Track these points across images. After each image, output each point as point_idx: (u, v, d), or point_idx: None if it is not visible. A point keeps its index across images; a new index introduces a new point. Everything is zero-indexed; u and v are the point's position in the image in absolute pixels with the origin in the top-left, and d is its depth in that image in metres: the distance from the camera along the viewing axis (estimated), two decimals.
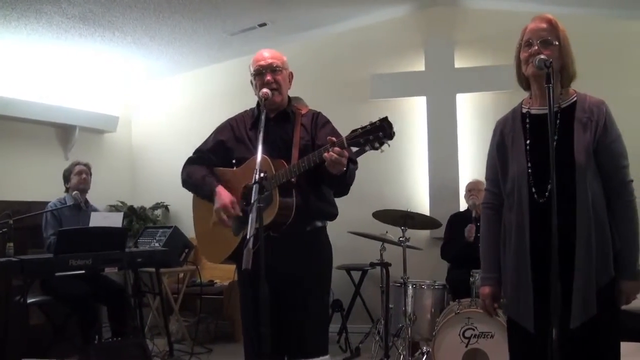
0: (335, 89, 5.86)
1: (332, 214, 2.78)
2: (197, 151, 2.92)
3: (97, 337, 4.21)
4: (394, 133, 2.41)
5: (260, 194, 2.20)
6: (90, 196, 5.00)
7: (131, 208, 6.10)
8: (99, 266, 4.14)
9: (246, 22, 5.36)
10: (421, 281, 4.29)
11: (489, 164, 2.48)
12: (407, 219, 4.23)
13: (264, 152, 2.54)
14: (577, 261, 2.14)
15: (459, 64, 5.58)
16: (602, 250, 2.17)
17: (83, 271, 4.04)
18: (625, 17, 5.32)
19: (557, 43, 2.25)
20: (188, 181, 2.85)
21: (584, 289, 2.13)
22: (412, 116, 5.72)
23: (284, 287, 2.63)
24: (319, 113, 2.89)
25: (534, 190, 2.23)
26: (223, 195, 2.66)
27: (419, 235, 5.18)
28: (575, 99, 2.30)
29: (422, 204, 5.60)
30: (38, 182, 5.45)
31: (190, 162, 2.90)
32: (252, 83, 2.82)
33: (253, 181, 2.22)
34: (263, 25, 5.42)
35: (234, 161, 2.78)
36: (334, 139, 2.36)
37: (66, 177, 4.81)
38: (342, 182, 2.55)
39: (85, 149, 6.00)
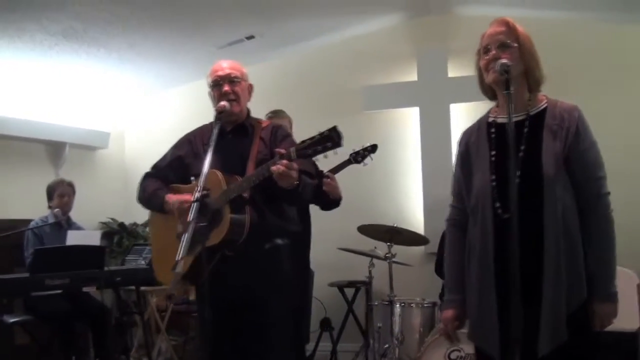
0: (327, 101, 5.72)
1: (293, 232, 2.64)
2: (154, 167, 2.83)
3: (74, 358, 4.10)
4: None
5: (202, 213, 2.08)
6: (83, 213, 4.95)
7: (122, 225, 6.01)
8: (77, 285, 4.06)
9: (233, 35, 5.27)
10: (409, 299, 4.11)
11: (454, 177, 2.32)
12: (394, 234, 4.07)
13: (219, 167, 2.47)
14: (545, 282, 1.96)
15: (452, 73, 5.41)
16: (573, 269, 1.99)
17: (60, 291, 3.95)
18: (620, 20, 5.14)
19: (516, 45, 2.10)
20: (142, 196, 2.76)
21: (553, 313, 1.95)
22: (406, 127, 5.56)
23: (243, 310, 2.52)
24: (280, 126, 2.78)
25: (498, 204, 2.07)
26: (174, 197, 2.57)
27: (412, 251, 5.00)
28: (545, 105, 2.14)
29: (416, 218, 5.43)
30: (28, 200, 5.36)
31: (146, 177, 2.80)
32: (210, 95, 2.72)
33: (193, 199, 2.10)
34: (251, 38, 5.32)
35: (192, 177, 2.67)
36: (282, 150, 2.24)
37: (49, 195, 4.75)
38: (297, 197, 2.42)
39: (77, 166, 5.95)
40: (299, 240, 3.65)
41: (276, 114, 4.11)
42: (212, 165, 2.46)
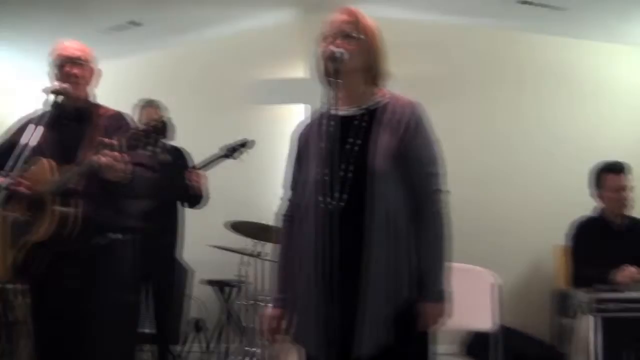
0: (214, 94, 5.57)
1: (128, 227, 2.50)
2: None
3: None
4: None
5: (25, 204, 1.93)
6: None
7: None
8: None
9: (115, 20, 5.02)
10: None
11: (291, 170, 2.26)
12: (266, 232, 3.98)
13: (52, 154, 2.35)
14: (364, 281, 1.91)
15: None
16: (397, 267, 1.95)
17: None
18: (511, 28, 5.28)
19: (360, 37, 2.05)
20: None
21: (372, 313, 1.90)
22: (293, 124, 5.47)
23: (75, 305, 2.38)
24: (123, 115, 2.63)
25: (327, 199, 2.00)
26: None
27: None
28: (386, 100, 2.11)
29: None
30: None
31: None
32: (50, 75, 2.55)
33: None
34: (134, 24, 5.10)
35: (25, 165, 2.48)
36: (109, 141, 2.10)
37: None
38: (128, 190, 2.29)
39: None
40: (161, 236, 3.54)
41: (149, 103, 3.97)
42: (46, 152, 2.31)
